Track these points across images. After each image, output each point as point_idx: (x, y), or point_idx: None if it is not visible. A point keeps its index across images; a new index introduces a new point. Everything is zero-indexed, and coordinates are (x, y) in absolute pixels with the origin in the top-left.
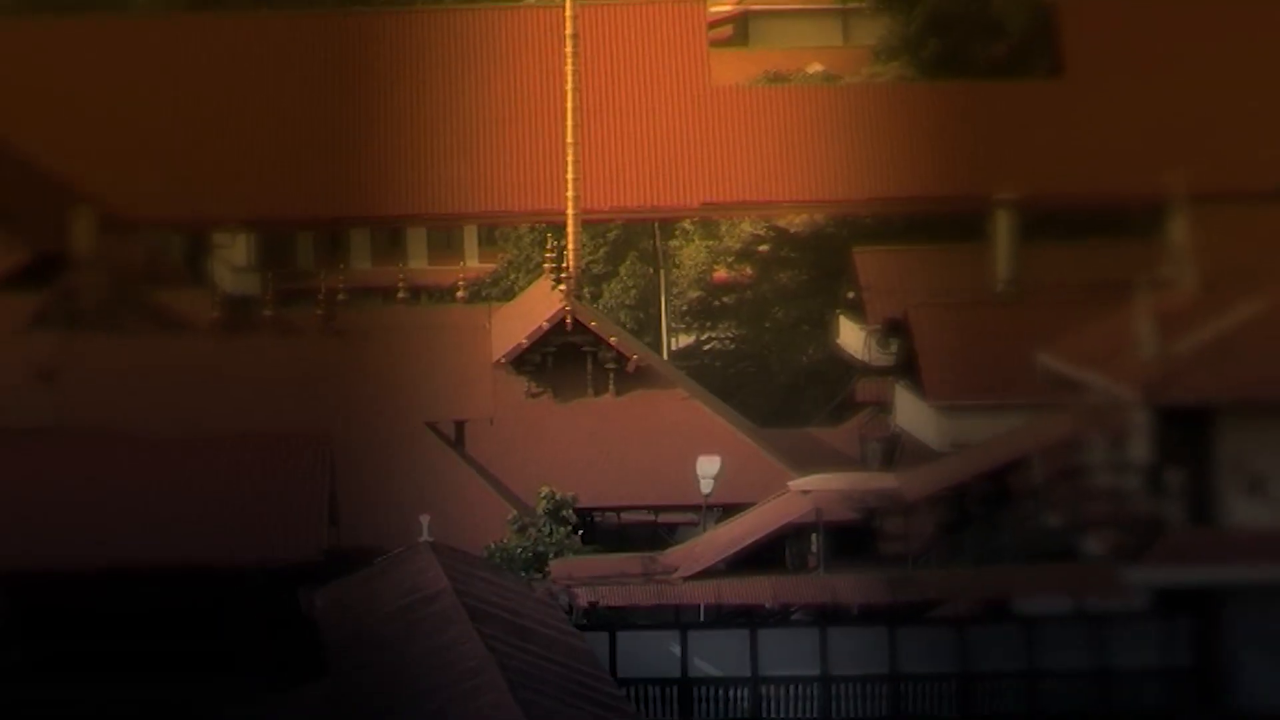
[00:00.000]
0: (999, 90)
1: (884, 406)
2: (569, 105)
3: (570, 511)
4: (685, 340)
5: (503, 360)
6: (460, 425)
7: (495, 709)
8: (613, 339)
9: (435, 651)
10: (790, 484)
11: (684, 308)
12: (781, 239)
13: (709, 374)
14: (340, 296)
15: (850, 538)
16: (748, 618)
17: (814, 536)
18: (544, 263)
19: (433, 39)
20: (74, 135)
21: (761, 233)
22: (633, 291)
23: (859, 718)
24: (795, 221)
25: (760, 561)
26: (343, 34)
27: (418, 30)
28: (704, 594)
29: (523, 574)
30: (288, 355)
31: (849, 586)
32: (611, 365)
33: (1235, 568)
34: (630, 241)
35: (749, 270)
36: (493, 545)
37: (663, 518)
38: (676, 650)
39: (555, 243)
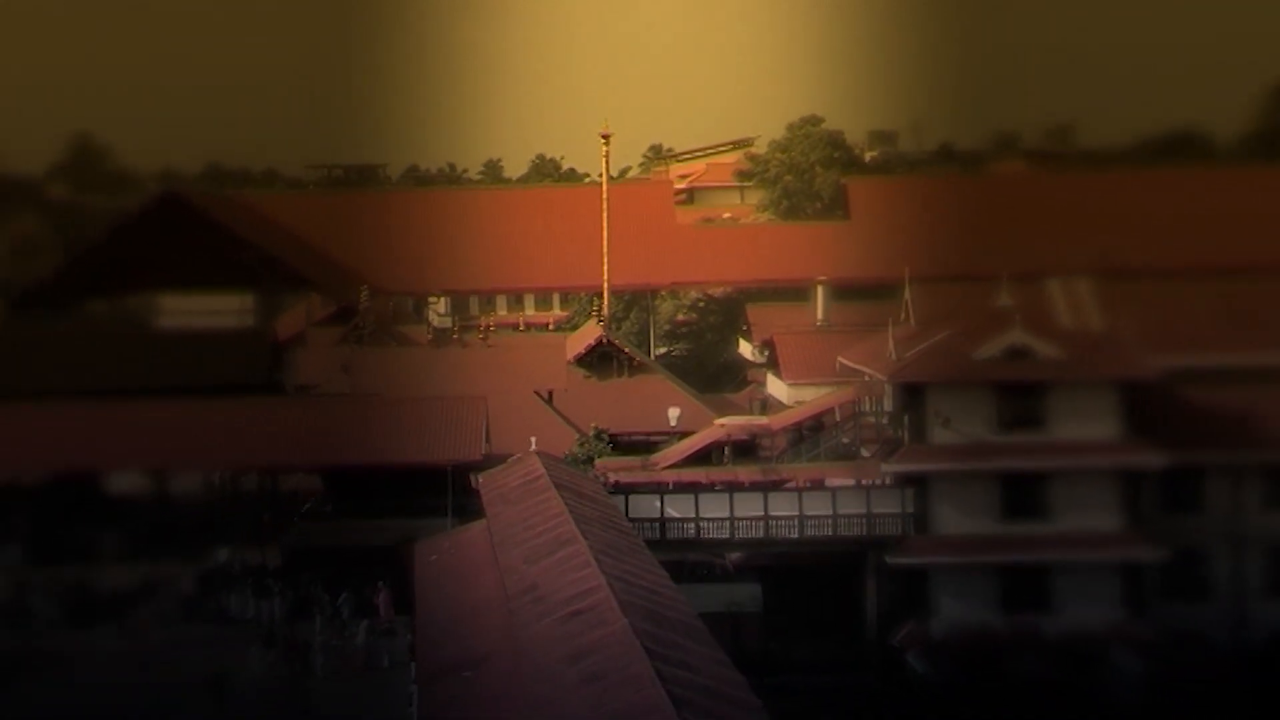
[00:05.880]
0: (819, 228)
1: (762, 384)
2: (604, 236)
3: (605, 435)
4: (661, 350)
5: (572, 360)
6: (550, 392)
7: (568, 534)
8: (626, 349)
9: (537, 505)
10: (715, 421)
11: (661, 334)
12: (710, 300)
13: (675, 368)
14: (491, 329)
15: (745, 448)
16: (693, 488)
17: (726, 449)
18: (592, 312)
19: (525, 206)
20: (355, 253)
21: (701, 296)
22: (636, 326)
23: (749, 537)
24: (717, 291)
25: (700, 460)
26: (481, 200)
27: (527, 200)
28: (672, 476)
29: (581, 467)
30: (465, 359)
31: (745, 472)
32: (626, 363)
33: (935, 464)
34: (635, 301)
35: (694, 316)
36: (567, 453)
37: (652, 438)
38: (658, 504)
39: (597, 302)
